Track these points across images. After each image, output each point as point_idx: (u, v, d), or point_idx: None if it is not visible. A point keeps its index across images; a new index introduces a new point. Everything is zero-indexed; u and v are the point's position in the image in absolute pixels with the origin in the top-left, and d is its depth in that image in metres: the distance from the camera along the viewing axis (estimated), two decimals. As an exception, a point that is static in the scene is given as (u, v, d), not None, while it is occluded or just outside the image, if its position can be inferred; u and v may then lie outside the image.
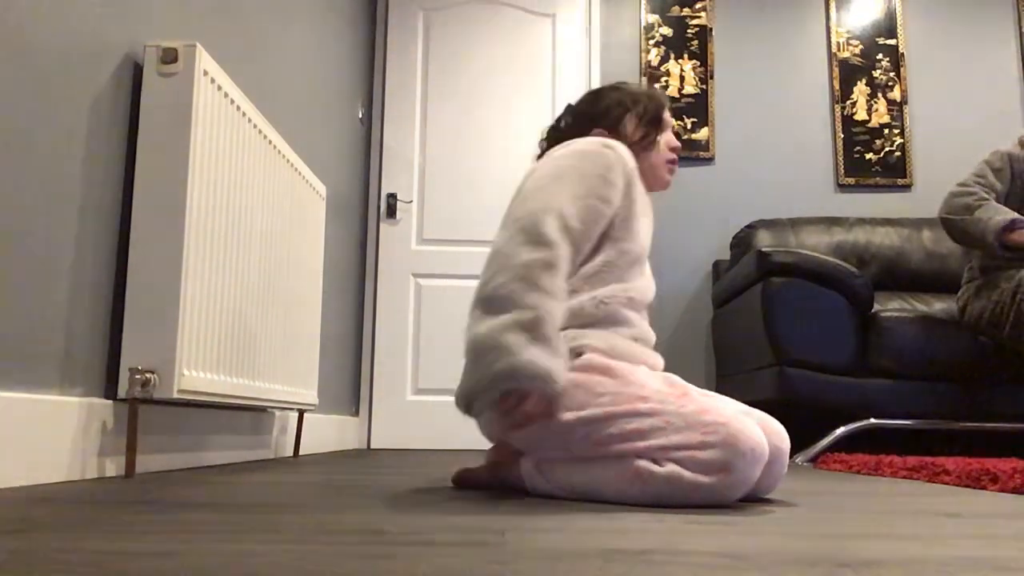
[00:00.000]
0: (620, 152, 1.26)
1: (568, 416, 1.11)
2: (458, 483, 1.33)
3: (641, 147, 1.40)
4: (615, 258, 1.25)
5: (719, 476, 1.01)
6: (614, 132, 1.41)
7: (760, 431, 1.03)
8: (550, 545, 0.68)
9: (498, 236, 1.17)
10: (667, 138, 1.44)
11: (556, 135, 1.47)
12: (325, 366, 2.78)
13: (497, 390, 1.07)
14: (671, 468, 1.02)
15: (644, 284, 1.30)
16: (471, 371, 1.09)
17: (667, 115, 1.45)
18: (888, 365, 2.64)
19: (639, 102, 1.43)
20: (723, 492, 1.02)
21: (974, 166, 2.72)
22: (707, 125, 3.73)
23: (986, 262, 2.59)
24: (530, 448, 1.19)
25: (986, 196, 2.53)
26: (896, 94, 3.79)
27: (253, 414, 2.11)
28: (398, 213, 3.61)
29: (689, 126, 3.73)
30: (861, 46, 3.82)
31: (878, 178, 3.73)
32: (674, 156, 1.44)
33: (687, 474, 1.02)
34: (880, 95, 3.78)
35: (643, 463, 1.04)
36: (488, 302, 1.10)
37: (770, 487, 1.18)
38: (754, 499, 1.18)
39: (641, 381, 1.11)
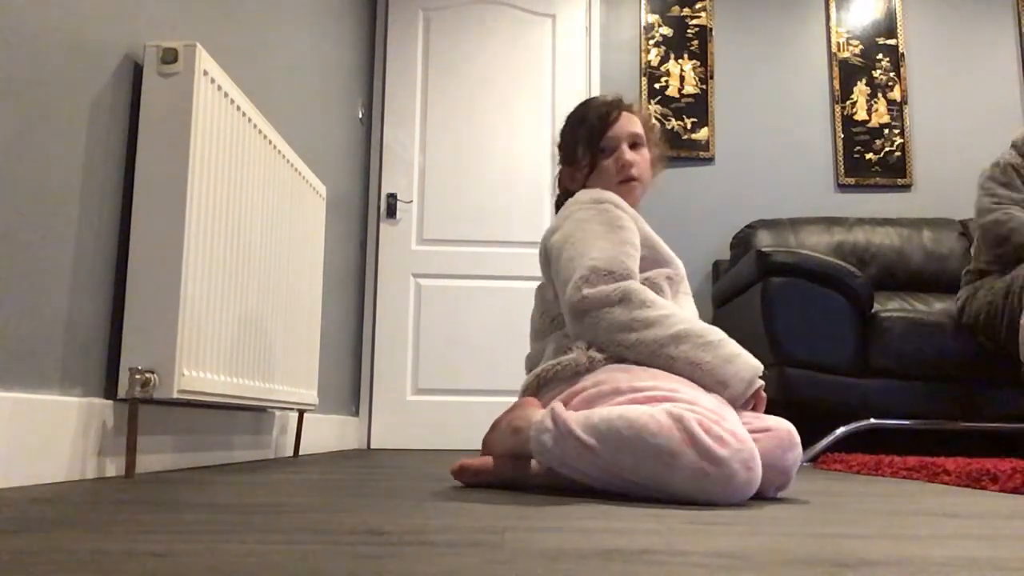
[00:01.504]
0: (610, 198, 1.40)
1: (623, 385, 1.20)
2: (457, 475, 1.34)
3: (590, 172, 1.46)
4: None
5: (714, 441, 1.05)
6: (573, 167, 1.49)
7: (759, 474, 1.07)
8: (550, 545, 0.68)
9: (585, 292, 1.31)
10: (616, 155, 1.45)
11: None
12: (325, 366, 2.78)
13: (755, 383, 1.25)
14: (684, 411, 1.08)
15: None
16: (734, 383, 1.24)
17: (617, 129, 1.46)
18: (888, 365, 2.64)
19: (584, 123, 1.47)
20: (707, 457, 1.04)
21: (981, 190, 2.60)
22: (707, 125, 3.74)
23: (984, 266, 2.59)
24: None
25: (1009, 210, 2.49)
26: (896, 94, 3.79)
27: (253, 414, 2.11)
28: (398, 213, 3.61)
29: (689, 126, 3.73)
30: (861, 46, 3.82)
31: (878, 178, 3.73)
32: (624, 175, 1.45)
33: (694, 423, 1.06)
34: (880, 95, 3.78)
35: (667, 402, 1.11)
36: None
37: (783, 485, 1.22)
38: (758, 499, 1.19)
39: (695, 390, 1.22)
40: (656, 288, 1.37)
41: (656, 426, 1.07)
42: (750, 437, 1.09)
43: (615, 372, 1.25)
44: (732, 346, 1.28)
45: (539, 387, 1.34)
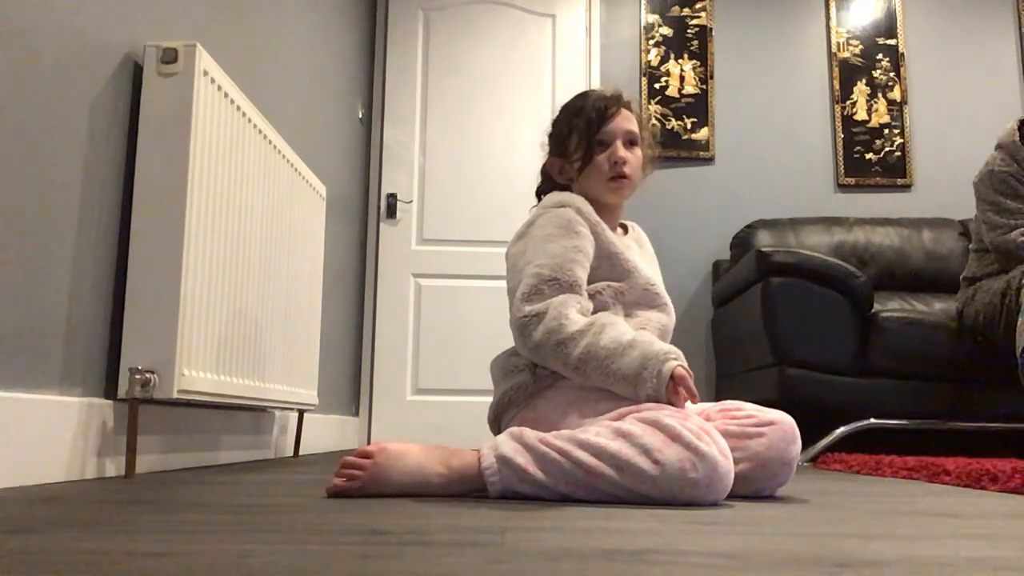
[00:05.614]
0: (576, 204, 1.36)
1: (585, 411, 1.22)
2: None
3: (582, 166, 1.40)
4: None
5: (691, 433, 1.06)
6: (564, 159, 1.44)
7: (726, 485, 1.07)
8: (550, 545, 0.68)
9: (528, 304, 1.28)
10: (610, 151, 1.39)
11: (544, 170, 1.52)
12: (325, 366, 2.78)
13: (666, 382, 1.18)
14: (657, 415, 1.10)
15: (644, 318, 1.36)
16: (638, 388, 1.19)
17: (615, 124, 1.40)
18: (888, 365, 2.64)
19: (580, 114, 1.41)
20: (692, 449, 1.05)
21: (986, 204, 2.53)
22: (707, 125, 3.73)
23: (988, 269, 2.58)
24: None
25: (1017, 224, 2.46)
26: (896, 94, 3.79)
27: (253, 414, 2.11)
28: (398, 213, 3.61)
29: (689, 126, 3.73)
30: (861, 46, 3.82)
31: (878, 178, 3.73)
32: (616, 172, 1.38)
33: (667, 419, 1.08)
34: (880, 95, 3.78)
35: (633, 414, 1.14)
36: (584, 364, 1.22)
37: (785, 479, 1.23)
38: (757, 498, 1.19)
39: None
40: (601, 304, 1.33)
41: (639, 430, 1.08)
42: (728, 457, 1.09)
43: (566, 406, 1.24)
44: (634, 351, 1.20)
45: (500, 415, 1.34)
